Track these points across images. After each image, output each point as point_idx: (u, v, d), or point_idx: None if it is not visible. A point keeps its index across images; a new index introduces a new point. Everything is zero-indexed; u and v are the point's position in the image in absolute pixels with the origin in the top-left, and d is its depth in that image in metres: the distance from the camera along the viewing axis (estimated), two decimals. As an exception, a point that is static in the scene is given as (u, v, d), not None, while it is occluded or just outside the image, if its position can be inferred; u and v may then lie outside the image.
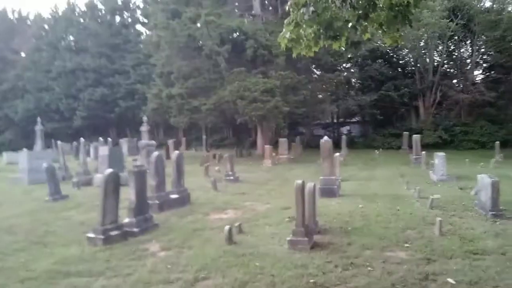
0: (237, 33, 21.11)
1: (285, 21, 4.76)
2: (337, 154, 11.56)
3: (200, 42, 21.06)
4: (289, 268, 4.94)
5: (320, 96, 25.53)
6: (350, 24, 4.57)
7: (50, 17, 40.96)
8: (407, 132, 23.61)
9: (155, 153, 9.17)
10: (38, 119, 25.98)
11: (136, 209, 7.02)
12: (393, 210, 8.17)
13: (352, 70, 30.09)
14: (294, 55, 5.15)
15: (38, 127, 24.98)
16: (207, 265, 5.06)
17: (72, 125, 35.14)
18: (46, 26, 40.17)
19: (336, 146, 11.34)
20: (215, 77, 21.17)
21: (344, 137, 24.73)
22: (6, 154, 23.75)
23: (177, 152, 10.34)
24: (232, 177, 13.26)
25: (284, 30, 4.78)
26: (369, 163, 18.27)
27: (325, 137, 10.52)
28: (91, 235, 6.25)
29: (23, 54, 39.85)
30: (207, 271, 4.86)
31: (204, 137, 28.43)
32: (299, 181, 5.97)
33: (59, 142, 22.21)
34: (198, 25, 20.61)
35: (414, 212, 7.98)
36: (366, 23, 4.59)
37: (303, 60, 22.26)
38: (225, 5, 23.07)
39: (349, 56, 27.73)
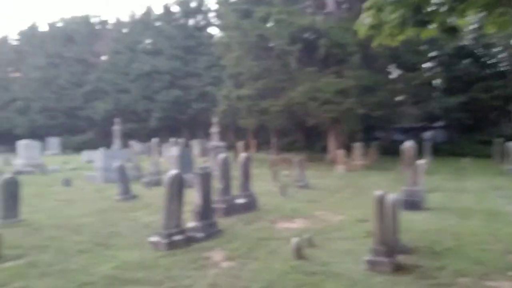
0: (309, 32, 20.38)
1: (365, 4, 4.05)
2: (421, 161, 10.40)
3: (271, 42, 20.68)
4: (368, 294, 4.21)
5: (400, 97, 23.87)
6: (443, 8, 3.75)
7: (128, 21, 43.39)
8: (499, 139, 21.12)
9: (222, 155, 8.84)
10: (116, 119, 27.39)
11: (201, 213, 6.71)
12: (490, 229, 7.00)
13: (435, 70, 27.78)
14: (374, 44, 4.40)
15: (116, 127, 26.32)
16: (273, 283, 4.52)
17: (148, 126, 36.75)
18: (124, 30, 42.58)
19: (418, 152, 10.20)
20: (285, 78, 20.65)
21: (426, 143, 22.78)
22: (85, 153, 25.27)
23: (244, 154, 9.94)
24: (302, 183, 12.60)
25: (363, 15, 4.08)
26: (456, 172, 16.55)
27: (408, 142, 9.45)
28: (154, 239, 6.01)
29: (103, 58, 42.58)
30: (272, 290, 4.31)
31: (273, 140, 28.02)
32: (379, 192, 5.19)
33: (133, 142, 23.27)
34: (269, 24, 20.25)
35: (516, 232, 6.75)
36: (463, 5, 3.74)
37: (381, 59, 20.91)
38: (296, 3, 22.45)
39: (432, 54, 25.65)
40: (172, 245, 5.88)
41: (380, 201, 5.09)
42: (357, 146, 19.18)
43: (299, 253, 5.45)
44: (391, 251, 5.20)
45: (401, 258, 5.37)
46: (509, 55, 25.31)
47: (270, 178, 14.06)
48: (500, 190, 11.50)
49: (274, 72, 20.99)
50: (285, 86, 20.41)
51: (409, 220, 7.44)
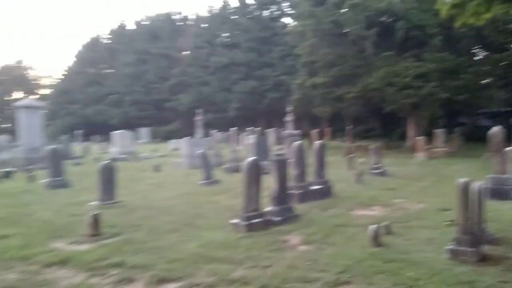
0: (386, 15, 19.54)
1: (447, -18, 3.88)
2: (510, 148, 9.59)
3: (345, 28, 20.20)
4: (450, 284, 4.11)
5: (485, 81, 21.96)
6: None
7: (206, 16, 44.98)
8: None
9: (297, 143, 9.00)
10: (198, 110, 28.75)
11: (277, 198, 6.94)
12: None
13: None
14: (457, 24, 4.19)
15: (199, 118, 27.68)
16: (350, 268, 4.58)
17: (227, 116, 38.10)
18: (203, 25, 44.25)
19: (508, 139, 9.44)
20: (360, 64, 20.11)
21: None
22: (172, 141, 27.04)
23: (319, 142, 9.99)
24: (378, 171, 12.32)
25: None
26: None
27: (496, 127, 8.78)
28: (235, 221, 6.38)
29: (185, 52, 44.74)
30: (349, 274, 4.38)
31: (348, 127, 27.44)
32: (463, 180, 4.97)
33: (214, 131, 24.38)
34: (343, 10, 19.78)
35: None
36: None
37: (464, 40, 19.42)
38: (373, -14, 21.61)
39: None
40: (251, 227, 6.19)
41: (465, 188, 4.89)
42: (439, 133, 18.14)
43: (377, 240, 5.44)
44: (476, 241, 4.98)
45: (487, 249, 5.11)
46: None
47: (346, 166, 13.91)
48: None
49: (349, 59, 20.55)
50: (361, 72, 19.89)
51: (496, 210, 6.99)
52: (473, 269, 4.52)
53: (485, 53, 22.56)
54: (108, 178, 8.63)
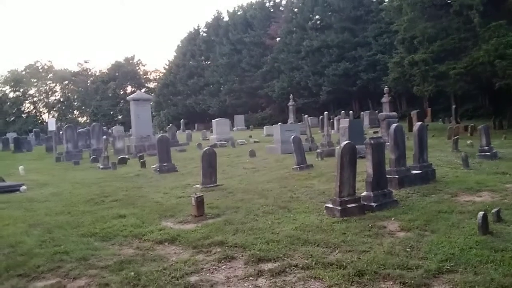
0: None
1: None
2: None
3: (449, -2, 18.52)
4: None
5: None
6: None
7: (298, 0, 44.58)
8: None
9: (394, 125, 8.59)
10: (291, 96, 28.89)
11: (373, 183, 6.76)
12: None
13: None
14: None
15: (290, 103, 27.85)
16: (454, 256, 4.33)
17: (319, 100, 37.73)
18: (295, 10, 43.97)
19: None
20: (466, 36, 18.33)
21: None
22: (265, 127, 27.73)
23: (419, 123, 9.42)
24: (488, 153, 11.20)
25: None
26: None
27: None
28: (329, 205, 6.39)
29: (277, 39, 45.07)
30: (453, 263, 4.15)
31: (453, 106, 25.27)
32: None
33: (305, 116, 24.36)
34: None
35: None
36: None
37: None
38: None
39: None
40: (345, 212, 6.15)
41: None
42: None
43: (485, 228, 5.03)
44: None
45: None
46: None
47: (450, 148, 12.91)
48: None
49: (452, 32, 18.88)
50: (467, 45, 18.19)
51: None
52: None
53: None
54: (209, 163, 9.23)
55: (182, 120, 42.64)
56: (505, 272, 3.85)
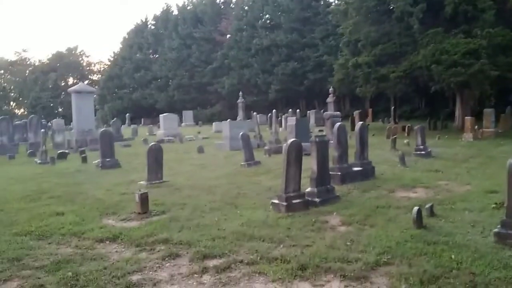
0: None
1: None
2: None
3: (391, 4, 19.42)
4: (496, 267, 4.00)
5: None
6: None
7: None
8: None
9: (338, 124, 8.91)
10: (240, 93, 28.92)
11: (317, 179, 6.96)
12: None
13: None
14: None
15: (240, 100, 27.87)
16: (391, 249, 4.57)
17: (268, 98, 38.14)
18: (246, 8, 44.05)
19: None
20: (406, 41, 19.35)
21: None
22: (214, 124, 27.57)
23: (360, 123, 9.83)
24: (423, 152, 11.96)
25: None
26: None
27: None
28: (275, 201, 6.50)
29: (228, 36, 44.93)
30: (390, 256, 4.38)
31: (392, 107, 26.69)
32: (513, 160, 4.76)
33: (254, 113, 24.61)
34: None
35: None
36: None
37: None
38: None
39: None
40: (291, 208, 6.28)
41: (513, 169, 4.68)
42: (488, 112, 17.22)
43: (419, 222, 5.36)
44: (525, 225, 4.79)
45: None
46: None
47: (389, 147, 13.61)
48: None
49: (394, 36, 19.85)
50: (406, 50, 19.21)
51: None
52: (521, 253, 4.37)
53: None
54: (155, 159, 9.01)
55: (127, 114, 41.25)
56: (437, 264, 4.13)
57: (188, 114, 36.86)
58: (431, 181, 8.37)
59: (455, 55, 16.71)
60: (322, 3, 38.22)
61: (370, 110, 30.21)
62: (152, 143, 9.71)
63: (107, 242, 5.21)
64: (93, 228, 5.74)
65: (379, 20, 20.52)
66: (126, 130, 25.52)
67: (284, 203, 6.31)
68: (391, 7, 19.59)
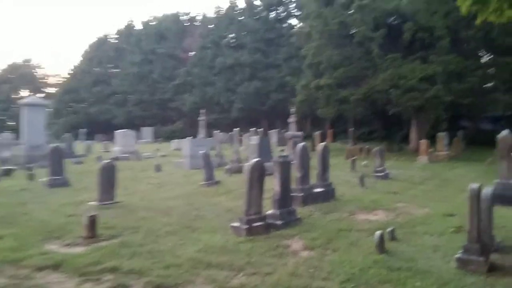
0: (393, 16, 19.35)
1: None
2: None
3: (352, 29, 20.02)
4: (460, 295, 3.92)
5: (490, 84, 21.68)
6: None
7: (214, 16, 44.93)
8: None
9: (300, 144, 8.81)
10: (202, 110, 28.55)
11: (280, 201, 6.76)
12: None
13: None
14: (478, 21, 3.99)
15: (201, 118, 27.50)
16: (354, 276, 4.40)
17: (230, 116, 37.98)
18: (210, 26, 44.19)
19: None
20: (366, 65, 19.91)
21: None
22: (174, 141, 26.90)
23: (322, 144, 9.80)
24: (381, 174, 12.12)
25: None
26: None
27: (505, 131, 8.59)
28: (236, 224, 6.21)
29: (192, 53, 44.70)
30: (354, 284, 4.20)
31: (351, 129, 27.28)
32: (475, 186, 4.77)
33: (215, 132, 24.25)
34: (351, 11, 19.61)
35: None
36: None
37: (472, 42, 19.23)
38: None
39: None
40: (252, 231, 6.02)
41: (476, 194, 4.68)
42: (442, 136, 17.92)
43: (381, 247, 5.25)
44: (485, 250, 4.78)
45: (496, 258, 4.93)
46: None
47: (348, 168, 13.72)
48: None
49: (354, 60, 20.37)
50: (366, 74, 19.73)
51: (504, 216, 6.77)
52: (483, 279, 4.34)
53: (491, 56, 22.25)
54: (108, 178, 8.47)
55: (81, 129, 39.48)
56: (401, 292, 3.98)
57: (147, 131, 35.88)
58: (390, 203, 8.40)
59: (412, 80, 17.35)
60: (286, 25, 39.07)
61: (330, 131, 30.72)
62: (105, 161, 9.15)
63: (48, 270, 4.69)
64: (33, 254, 5.18)
65: (341, 44, 21.05)
66: (80, 146, 24.22)
67: (245, 227, 6.03)
68: (353, 32, 20.16)
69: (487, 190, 5.18)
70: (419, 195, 9.59)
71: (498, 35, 18.47)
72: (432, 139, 18.36)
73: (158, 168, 14.22)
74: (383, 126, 30.12)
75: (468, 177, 12.35)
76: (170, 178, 12.56)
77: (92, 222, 5.96)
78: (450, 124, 23.39)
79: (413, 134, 21.32)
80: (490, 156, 13.75)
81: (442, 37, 17.71)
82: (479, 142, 21.44)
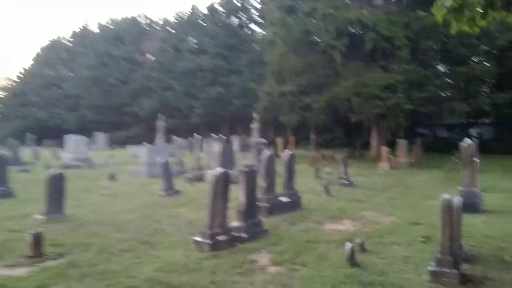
0: (356, 26, 19.65)
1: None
2: (476, 160, 9.61)
3: (316, 37, 20.15)
4: (438, 312, 3.73)
5: (446, 93, 22.54)
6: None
7: (175, 21, 44.15)
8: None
9: (267, 153, 8.51)
10: (160, 115, 27.69)
11: (245, 213, 6.43)
12: None
13: (487, 64, 26.00)
14: (453, 31, 3.88)
15: (159, 123, 26.67)
16: (327, 294, 4.12)
17: (190, 122, 37.25)
18: (171, 30, 43.34)
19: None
20: (329, 73, 20.08)
21: (473, 140, 21.31)
22: (130, 148, 25.77)
23: (289, 152, 9.56)
24: (346, 181, 12.09)
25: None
26: (509, 171, 15.30)
27: (468, 140, 8.78)
28: (198, 238, 5.78)
29: (150, 56, 43.57)
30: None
31: (312, 136, 27.46)
32: (447, 197, 4.65)
33: (175, 138, 23.52)
34: (314, 19, 19.74)
35: None
36: None
37: (430, 52, 19.91)
38: (344, -3, 21.77)
39: (484, 48, 24.01)
40: (216, 246, 5.64)
41: (449, 206, 4.56)
42: (401, 143, 18.34)
43: (352, 260, 5.02)
44: (457, 261, 4.66)
45: (466, 268, 4.84)
46: None
47: (312, 175, 13.62)
48: None
49: (317, 68, 20.49)
50: (329, 82, 19.87)
51: (469, 224, 6.73)
52: (458, 293, 4.18)
53: (447, 66, 23.20)
54: (56, 189, 7.76)
55: (27, 134, 37.12)
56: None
57: (100, 136, 34.13)
58: (356, 211, 8.31)
59: (374, 89, 17.64)
60: (247, 31, 39.04)
61: (292, 138, 30.81)
62: (53, 170, 8.41)
63: (-18, 298, 4.08)
64: (-35, 279, 4.51)
65: (304, 51, 21.12)
66: (27, 153, 22.50)
67: (209, 241, 5.63)
68: (316, 40, 20.29)
69: (457, 201, 5.08)
70: (384, 202, 9.56)
71: (454, 46, 19.23)
72: (392, 146, 18.73)
73: (112, 177, 13.39)
74: (344, 133, 30.61)
75: (429, 184, 12.62)
76: (125, 188, 11.83)
77: (37, 240, 5.32)
78: (408, 132, 24.13)
79: (373, 141, 21.69)
80: (448, 162, 14.10)
81: (403, 47, 18.17)
82: (436, 149, 22.20)
